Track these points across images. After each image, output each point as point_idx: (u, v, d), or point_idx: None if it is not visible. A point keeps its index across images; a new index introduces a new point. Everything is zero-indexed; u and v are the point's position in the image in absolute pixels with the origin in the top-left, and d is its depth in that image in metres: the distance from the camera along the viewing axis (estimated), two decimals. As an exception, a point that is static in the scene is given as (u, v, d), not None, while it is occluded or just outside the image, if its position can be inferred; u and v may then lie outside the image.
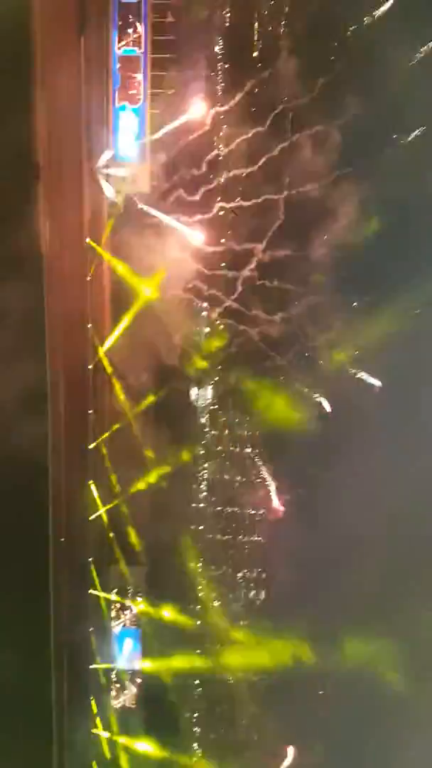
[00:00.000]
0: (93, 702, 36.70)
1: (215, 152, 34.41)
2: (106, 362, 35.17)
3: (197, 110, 33.62)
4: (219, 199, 34.56)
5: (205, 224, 34.37)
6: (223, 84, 34.27)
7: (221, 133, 34.30)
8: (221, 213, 34.67)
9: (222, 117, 34.16)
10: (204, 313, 35.39)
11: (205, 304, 35.15)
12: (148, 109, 33.54)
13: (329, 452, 33.63)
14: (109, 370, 35.22)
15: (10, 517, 33.13)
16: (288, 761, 36.14)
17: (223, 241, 34.76)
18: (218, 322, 35.31)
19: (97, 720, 36.66)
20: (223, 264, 34.81)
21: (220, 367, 35.81)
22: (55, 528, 35.13)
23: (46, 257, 34.01)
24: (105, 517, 35.90)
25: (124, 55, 33.07)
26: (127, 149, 34.08)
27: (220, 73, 34.27)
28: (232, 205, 34.46)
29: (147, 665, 36.64)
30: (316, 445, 33.90)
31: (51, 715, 35.92)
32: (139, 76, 33.34)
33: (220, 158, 34.47)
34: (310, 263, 33.75)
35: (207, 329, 35.59)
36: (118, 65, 33.17)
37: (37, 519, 34.53)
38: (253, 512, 36.14)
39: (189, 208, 34.23)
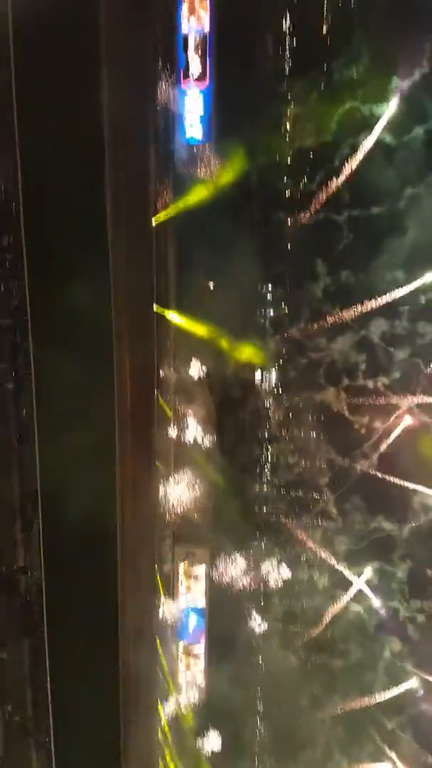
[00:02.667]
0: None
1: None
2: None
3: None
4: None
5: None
6: (291, 61, 33.56)
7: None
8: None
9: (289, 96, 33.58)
10: (269, 296, 34.98)
11: (269, 286, 34.74)
12: (214, 90, 33.18)
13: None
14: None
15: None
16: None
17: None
18: (283, 304, 34.88)
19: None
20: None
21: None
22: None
23: (112, 239, 34.08)
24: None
25: (189, 34, 32.75)
26: (194, 130, 33.84)
27: (287, 50, 33.55)
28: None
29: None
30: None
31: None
32: (205, 56, 33.02)
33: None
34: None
35: (271, 311, 35.15)
36: (183, 45, 32.90)
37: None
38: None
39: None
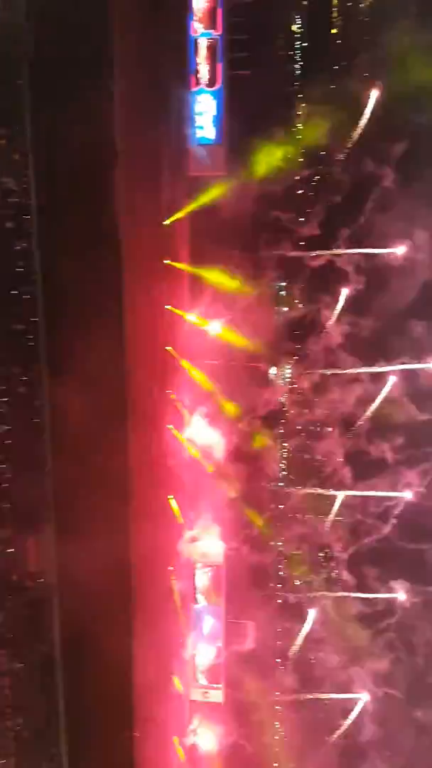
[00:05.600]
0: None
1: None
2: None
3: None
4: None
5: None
6: (302, 63, 33.73)
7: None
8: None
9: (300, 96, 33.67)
10: (282, 292, 34.59)
11: (284, 283, 34.35)
12: (225, 92, 33.35)
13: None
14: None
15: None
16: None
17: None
18: (297, 301, 34.42)
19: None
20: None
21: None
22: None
23: (124, 241, 34.04)
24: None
25: (200, 37, 33.08)
26: (205, 132, 33.94)
27: (298, 52, 33.75)
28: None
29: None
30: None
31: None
32: (217, 59, 33.26)
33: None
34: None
35: (285, 309, 34.69)
36: (194, 48, 33.20)
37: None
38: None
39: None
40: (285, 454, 35.52)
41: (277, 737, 35.91)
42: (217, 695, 34.84)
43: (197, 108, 33.91)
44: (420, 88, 31.15)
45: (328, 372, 33.47)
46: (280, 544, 35.59)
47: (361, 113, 32.57)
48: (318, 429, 34.97)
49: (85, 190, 33.21)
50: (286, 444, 35.35)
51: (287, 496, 34.97)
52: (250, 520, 34.62)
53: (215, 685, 34.86)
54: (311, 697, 34.89)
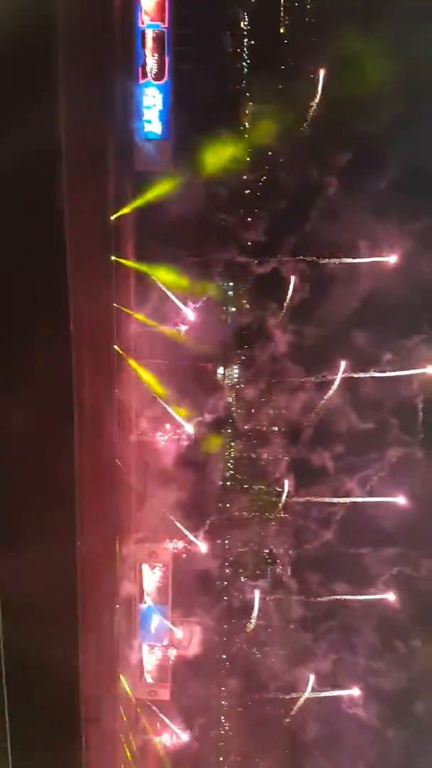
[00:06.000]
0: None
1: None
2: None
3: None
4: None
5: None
6: (249, 61, 33.60)
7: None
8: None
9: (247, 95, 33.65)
10: (230, 293, 34.63)
11: (231, 284, 34.39)
12: (173, 86, 32.89)
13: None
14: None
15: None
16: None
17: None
18: (244, 301, 34.55)
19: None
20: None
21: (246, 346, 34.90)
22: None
23: (69, 237, 33.13)
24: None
25: (148, 29, 32.43)
26: (152, 127, 33.42)
27: (245, 49, 33.59)
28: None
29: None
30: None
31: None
32: (164, 52, 32.72)
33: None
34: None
35: (233, 309, 34.78)
36: (141, 39, 32.54)
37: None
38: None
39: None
40: (232, 455, 35.77)
41: (222, 732, 36.49)
42: (164, 693, 35.08)
43: (144, 102, 33.34)
44: (365, 94, 31.51)
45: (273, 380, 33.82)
46: (226, 543, 35.91)
47: (306, 115, 32.81)
48: (264, 433, 35.36)
49: (29, 185, 32.09)
50: (233, 445, 35.58)
51: (234, 499, 35.31)
52: (197, 521, 34.73)
53: (162, 684, 35.09)
54: (256, 696, 35.63)
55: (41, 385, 31.19)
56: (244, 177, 34.17)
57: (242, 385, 35.32)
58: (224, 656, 36.52)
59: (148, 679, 35.25)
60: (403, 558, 33.59)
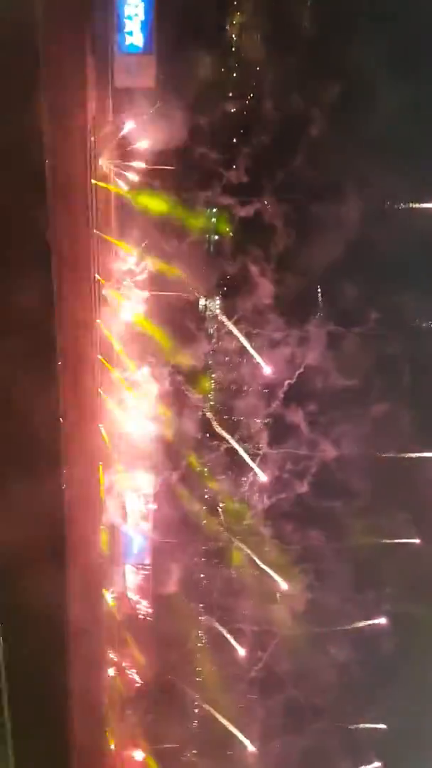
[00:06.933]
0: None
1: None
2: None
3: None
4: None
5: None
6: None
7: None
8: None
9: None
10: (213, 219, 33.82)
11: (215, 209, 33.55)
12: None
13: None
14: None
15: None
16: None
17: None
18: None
19: None
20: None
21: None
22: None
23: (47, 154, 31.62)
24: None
25: None
26: (134, 39, 31.42)
27: None
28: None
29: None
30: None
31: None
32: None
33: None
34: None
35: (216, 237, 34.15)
36: None
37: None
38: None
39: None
40: (213, 398, 36.05)
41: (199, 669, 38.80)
42: (146, 610, 37.03)
43: (126, 11, 31.21)
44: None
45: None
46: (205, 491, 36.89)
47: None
48: (243, 386, 35.52)
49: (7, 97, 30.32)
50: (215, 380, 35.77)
51: (213, 447, 35.90)
52: (180, 459, 35.40)
53: (144, 601, 36.98)
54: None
55: (21, 315, 30.81)
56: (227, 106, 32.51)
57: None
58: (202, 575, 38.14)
59: (132, 596, 37.07)
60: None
